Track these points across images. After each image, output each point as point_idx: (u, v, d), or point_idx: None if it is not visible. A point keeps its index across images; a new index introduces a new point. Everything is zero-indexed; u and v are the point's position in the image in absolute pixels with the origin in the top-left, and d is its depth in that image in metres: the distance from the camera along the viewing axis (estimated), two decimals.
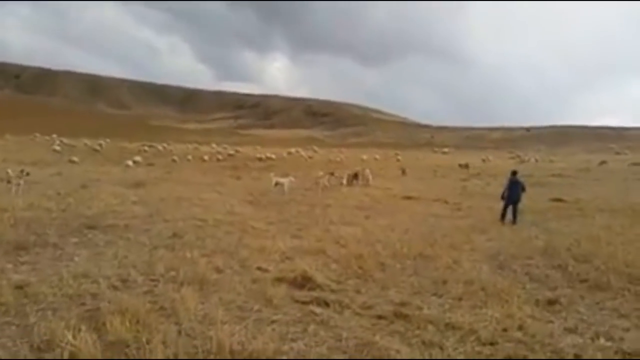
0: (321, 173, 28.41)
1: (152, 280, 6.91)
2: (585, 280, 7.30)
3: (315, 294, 6.37)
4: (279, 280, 6.92)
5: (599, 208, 17.22)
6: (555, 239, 10.70)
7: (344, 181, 26.51)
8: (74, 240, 9.51)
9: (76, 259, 8.03)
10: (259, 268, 7.65)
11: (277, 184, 20.55)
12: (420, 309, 5.92)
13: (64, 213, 12.44)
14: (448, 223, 13.41)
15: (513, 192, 14.42)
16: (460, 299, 6.28)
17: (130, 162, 36.75)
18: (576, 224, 13.53)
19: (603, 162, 50.67)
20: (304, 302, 6.04)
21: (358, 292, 6.60)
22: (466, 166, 45.44)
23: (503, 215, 14.29)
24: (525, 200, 14.66)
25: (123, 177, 24.85)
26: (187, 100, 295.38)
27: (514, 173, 15.46)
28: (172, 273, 7.21)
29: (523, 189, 14.66)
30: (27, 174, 17.81)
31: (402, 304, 6.03)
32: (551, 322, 5.65)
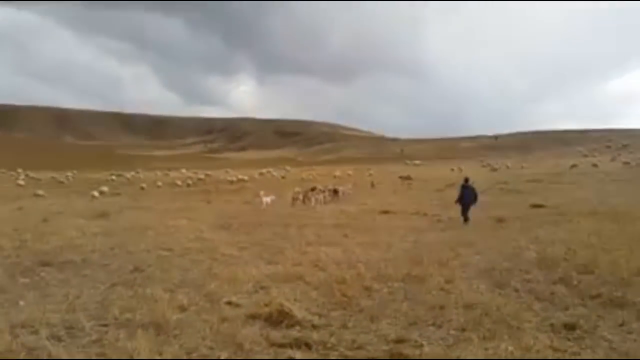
0: (299, 189, 27.76)
1: (103, 325, 5.86)
2: (597, 296, 6.52)
3: (294, 333, 5.40)
4: (252, 317, 5.92)
5: (581, 212, 16.88)
6: (547, 248, 10.07)
7: (321, 197, 25.84)
8: (24, 280, 8.36)
9: (21, 303, 6.91)
10: (228, 303, 6.64)
11: (262, 202, 23.27)
12: (420, 346, 5.00)
13: (17, 250, 11.21)
14: (431, 237, 12.72)
15: (466, 196, 16.29)
16: (463, 330, 5.39)
17: (96, 193, 35.39)
18: (563, 230, 13.04)
19: (574, 166, 51.40)
20: (281, 345, 5.04)
21: (344, 326, 5.64)
22: (408, 177, 45.53)
23: (465, 216, 15.99)
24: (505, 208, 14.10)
25: (87, 209, 23.57)
26: (156, 128, 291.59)
27: (467, 180, 17.28)
28: (128, 315, 6.17)
29: (475, 195, 16.42)
30: None
31: (398, 341, 5.12)
32: (577, 354, 4.83)
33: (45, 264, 9.63)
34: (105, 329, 5.74)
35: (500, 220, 15.41)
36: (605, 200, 20.74)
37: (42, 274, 8.86)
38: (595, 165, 51.44)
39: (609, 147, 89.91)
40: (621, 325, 5.48)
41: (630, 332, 5.26)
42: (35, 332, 5.54)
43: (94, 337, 5.46)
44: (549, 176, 39.96)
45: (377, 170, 65.14)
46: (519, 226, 14.12)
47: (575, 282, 7.29)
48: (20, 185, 48.55)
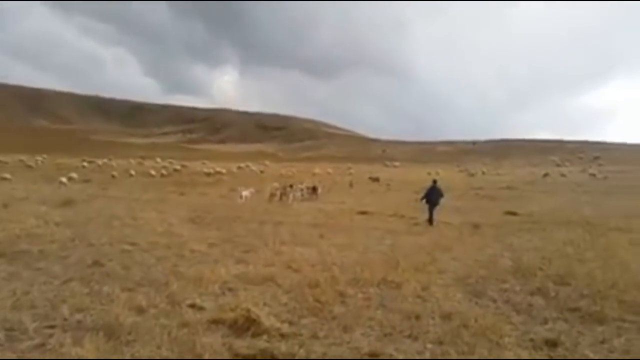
0: (277, 184, 27.30)
1: (50, 327, 5.36)
2: (575, 310, 6.35)
3: (260, 343, 4.98)
4: (216, 322, 5.49)
5: (554, 221, 16.94)
6: (522, 257, 9.95)
7: (299, 194, 25.46)
8: None
9: None
10: (191, 305, 6.19)
11: (242, 196, 23.01)
12: None
13: None
14: (408, 240, 12.47)
15: (433, 197, 17.19)
16: (441, 343, 5.09)
17: (64, 179, 34.09)
18: (537, 238, 13.01)
19: (547, 175, 52.21)
20: (244, 357, 4.64)
21: (315, 337, 5.26)
22: (377, 179, 45.71)
23: (431, 217, 16.75)
24: (477, 214, 13.96)
25: (53, 195, 22.60)
26: (133, 114, 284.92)
27: (435, 182, 18.26)
28: (79, 316, 5.69)
29: (441, 195, 17.47)
30: None
31: (372, 354, 4.78)
32: None
33: None
34: (51, 331, 5.23)
35: (475, 226, 15.34)
36: (578, 210, 20.93)
37: None
38: (564, 176, 52.42)
39: (581, 158, 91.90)
40: (602, 342, 5.31)
41: (612, 351, 5.09)
42: None
43: (36, 341, 4.96)
44: (523, 184, 40.45)
45: (357, 170, 65.00)
46: (493, 233, 14.07)
47: (552, 294, 7.14)
48: None
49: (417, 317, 5.91)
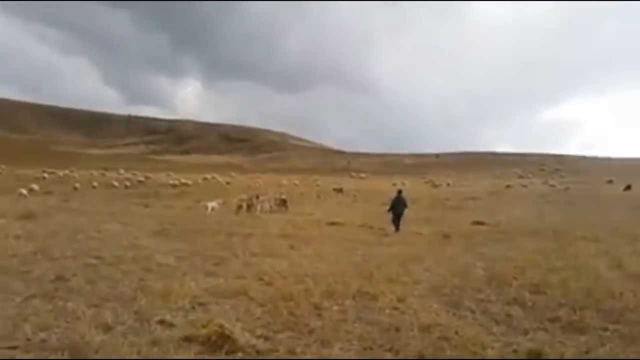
0: (244, 196, 26.93)
1: (12, 348, 4.99)
2: (555, 320, 6.31)
3: None
4: (187, 340, 5.19)
5: (522, 231, 17.25)
6: (495, 266, 9.99)
7: (267, 205, 25.21)
8: None
9: None
10: (161, 322, 5.87)
11: (207, 207, 22.58)
12: None
13: None
14: (379, 251, 12.40)
15: (398, 207, 17.70)
16: (422, 356, 4.94)
17: (24, 191, 32.70)
18: (506, 248, 13.15)
19: (510, 186, 53.64)
20: None
21: (292, 352, 5.04)
22: (340, 190, 46.09)
23: (397, 225, 17.39)
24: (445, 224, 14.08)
25: (12, 208, 21.57)
26: (94, 125, 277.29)
27: (399, 192, 18.91)
28: (42, 335, 5.33)
29: (405, 205, 18.03)
30: None
31: None
32: None
33: None
34: (12, 352, 4.87)
35: (445, 235, 15.45)
36: (543, 220, 21.45)
37: None
38: (526, 187, 54.00)
39: (542, 169, 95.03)
40: (586, 352, 5.26)
41: None
42: None
43: None
44: (487, 195, 41.31)
45: (323, 182, 65.04)
46: (463, 242, 14.16)
47: (529, 304, 7.11)
48: None
49: (396, 330, 5.77)
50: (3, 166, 72.27)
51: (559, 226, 18.54)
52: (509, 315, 6.57)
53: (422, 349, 5.11)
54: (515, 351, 5.21)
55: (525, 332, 5.90)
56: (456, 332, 5.62)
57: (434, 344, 5.29)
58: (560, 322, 6.24)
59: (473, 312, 6.78)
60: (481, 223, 19.63)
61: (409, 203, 18.58)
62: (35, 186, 37.39)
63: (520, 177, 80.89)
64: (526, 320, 6.37)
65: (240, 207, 24.49)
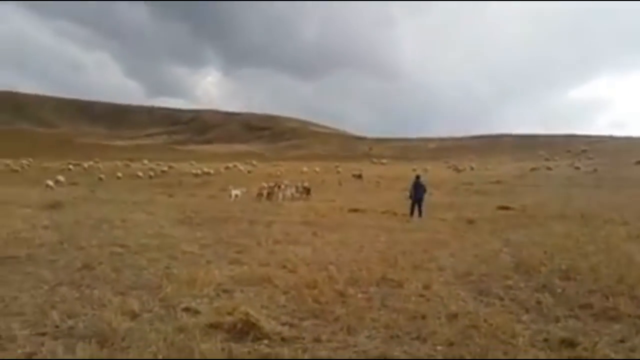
0: (264, 184, 27.12)
1: (41, 334, 5.06)
2: (587, 307, 6.10)
3: (261, 348, 4.70)
4: (213, 327, 5.19)
5: (549, 215, 16.93)
6: (522, 252, 9.76)
7: (289, 193, 25.29)
8: None
9: None
10: (186, 309, 5.88)
11: (232, 195, 23.43)
12: None
13: None
14: (403, 237, 12.27)
15: (417, 192, 17.77)
16: (451, 344, 4.82)
17: (51, 182, 33.63)
18: (534, 233, 12.89)
19: (535, 169, 52.59)
20: None
21: (318, 340, 4.97)
22: (359, 176, 45.71)
23: (412, 211, 17.53)
24: (470, 209, 13.84)
25: (40, 198, 22.16)
26: (118, 117, 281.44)
27: (418, 177, 18.93)
28: (70, 322, 5.38)
29: (424, 190, 18.09)
30: None
31: (380, 358, 4.51)
32: None
33: None
34: (42, 339, 4.93)
35: (470, 221, 15.24)
36: (570, 203, 20.99)
37: None
38: (552, 169, 52.83)
39: (569, 151, 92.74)
40: (622, 341, 5.03)
41: (633, 350, 4.80)
42: None
43: (27, 350, 4.63)
44: (512, 178, 40.63)
45: (344, 168, 64.86)
46: (489, 228, 13.93)
47: (559, 290, 6.89)
48: None
49: (423, 317, 5.65)
50: (30, 159, 73.92)
51: (587, 209, 18.13)
52: (539, 302, 6.37)
53: (450, 337, 4.98)
54: (546, 339, 5.03)
55: (557, 320, 5.71)
56: (485, 320, 5.47)
57: (462, 332, 5.16)
58: (592, 310, 6.02)
59: (501, 299, 6.61)
60: (507, 207, 19.33)
61: (429, 188, 18.69)
62: (61, 178, 38.31)
63: (546, 159, 79.07)
64: (557, 308, 6.16)
65: (261, 194, 24.72)
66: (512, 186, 33.78)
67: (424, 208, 17.64)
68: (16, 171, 52.02)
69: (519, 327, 5.38)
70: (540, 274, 7.89)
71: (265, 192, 24.98)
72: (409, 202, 17.95)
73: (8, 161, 65.75)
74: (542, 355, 4.58)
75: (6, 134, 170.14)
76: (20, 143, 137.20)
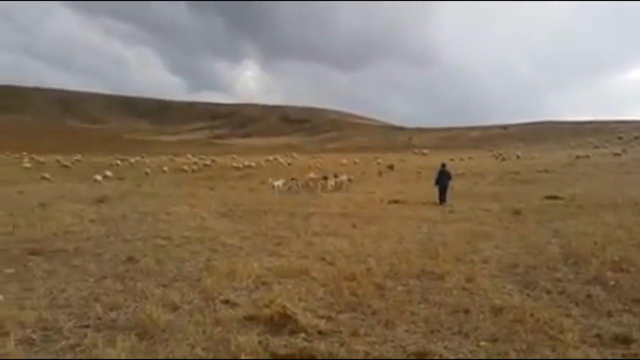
0: (312, 175, 27.40)
1: (84, 326, 5.19)
2: None
3: (297, 341, 4.65)
4: (251, 319, 5.20)
5: (600, 204, 16.11)
6: (571, 243, 9.34)
7: (328, 185, 25.32)
8: (9, 271, 7.66)
9: (0, 297, 6.29)
10: (225, 301, 5.93)
11: (274, 186, 23.87)
12: None
13: (8, 237, 10.51)
14: (445, 228, 11.97)
15: (442, 180, 18.55)
16: (495, 340, 4.62)
17: (99, 177, 34.95)
18: (583, 223, 12.29)
19: (585, 157, 50.34)
20: (282, 357, 4.29)
21: (355, 334, 4.87)
22: (391, 167, 44.80)
23: (440, 198, 18.22)
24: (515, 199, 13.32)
25: (88, 193, 23.02)
26: (161, 112, 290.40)
27: (443, 165, 19.62)
28: (113, 314, 5.51)
29: (449, 178, 18.89)
30: None
31: (420, 353, 4.36)
32: None
33: (35, 252, 8.96)
34: (85, 331, 5.06)
35: (516, 211, 14.67)
36: (622, 192, 19.94)
37: (30, 263, 8.16)
38: (603, 157, 50.38)
39: (621, 138, 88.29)
40: None
41: None
42: (5, 335, 4.84)
43: (71, 342, 4.76)
44: (560, 167, 39.03)
45: (384, 159, 64.23)
46: (536, 218, 13.40)
47: (611, 283, 6.52)
48: (26, 169, 48.29)
49: (465, 312, 5.45)
50: (79, 155, 77.01)
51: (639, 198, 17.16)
52: (589, 296, 6.05)
53: (494, 332, 4.77)
54: (598, 335, 4.74)
55: (609, 315, 5.39)
56: (531, 315, 5.21)
57: (507, 327, 4.94)
58: None
59: (549, 292, 6.30)
60: (555, 197, 18.57)
61: (474, 177, 18.82)
62: (109, 173, 39.69)
63: (596, 146, 75.61)
64: (609, 302, 5.82)
65: (305, 186, 25.12)
66: (560, 175, 32.45)
67: (449, 194, 18.59)
68: (66, 167, 54.22)
69: (568, 322, 5.10)
70: (591, 266, 7.50)
71: (306, 184, 25.35)
72: (436, 190, 18.66)
73: (59, 157, 68.75)
74: (593, 352, 4.32)
75: (57, 131, 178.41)
76: (69, 139, 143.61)
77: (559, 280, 6.89)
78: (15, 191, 24.27)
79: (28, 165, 52.65)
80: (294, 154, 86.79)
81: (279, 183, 24.40)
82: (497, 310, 5.47)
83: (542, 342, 4.53)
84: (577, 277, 6.99)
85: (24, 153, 78.86)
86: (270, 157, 71.32)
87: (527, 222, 12.71)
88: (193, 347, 4.51)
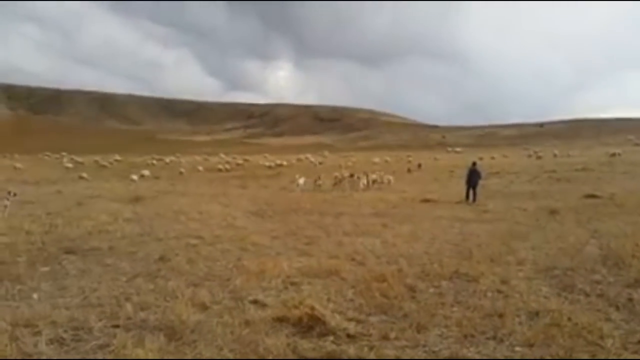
0: (346, 173, 27.45)
1: (115, 326, 5.25)
2: None
3: (326, 344, 4.59)
4: (279, 321, 5.18)
5: None
6: (611, 244, 8.98)
7: (359, 183, 25.19)
8: (44, 269, 7.89)
9: (34, 296, 6.42)
10: (254, 301, 5.93)
11: (298, 184, 24.60)
12: None
13: (45, 236, 10.83)
14: (478, 229, 11.69)
15: (472, 178, 18.71)
16: (531, 345, 4.46)
17: (135, 177, 35.74)
18: (623, 223, 11.82)
19: (623, 155, 48.45)
20: None
21: (386, 337, 4.78)
22: (419, 166, 43.83)
23: (467, 196, 18.50)
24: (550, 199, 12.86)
25: (124, 192, 23.54)
26: (197, 113, 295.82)
27: (474, 164, 19.85)
28: (142, 314, 5.57)
29: (479, 176, 19.13)
30: (14, 194, 16.32)
31: (452, 358, 4.28)
32: None
33: (70, 251, 9.20)
34: (115, 331, 5.12)
35: (553, 211, 14.22)
36: None
37: (64, 262, 8.38)
38: None
39: None
40: None
41: None
42: (38, 334, 4.96)
43: (101, 341, 4.82)
44: (599, 165, 37.63)
45: (416, 158, 63.47)
46: (574, 218, 12.96)
47: None
48: (67, 168, 49.93)
49: (500, 315, 5.28)
50: (117, 155, 79.13)
51: None
52: (630, 299, 5.78)
53: (530, 337, 4.60)
54: None
55: None
56: (569, 319, 5.02)
57: (544, 331, 4.76)
58: None
59: (587, 295, 6.07)
60: (593, 196, 17.93)
61: (509, 176, 18.54)
62: (145, 172, 40.54)
63: (636, 144, 72.71)
64: None
65: (334, 185, 25.19)
66: (599, 173, 31.29)
67: (478, 192, 18.74)
68: (104, 167, 55.75)
69: (608, 326, 4.89)
70: (632, 268, 7.19)
71: (338, 182, 25.61)
72: (465, 188, 18.90)
73: (97, 157, 70.83)
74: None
75: (96, 132, 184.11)
76: (108, 140, 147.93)
77: (598, 282, 6.63)
78: (54, 190, 25.01)
79: (69, 165, 54.42)
80: (326, 153, 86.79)
81: (302, 181, 24.90)
82: (533, 314, 5.29)
83: (581, 347, 4.35)
84: (617, 280, 6.71)
85: (64, 153, 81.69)
86: (302, 156, 71.56)
87: (565, 222, 12.30)
88: (221, 349, 4.51)
